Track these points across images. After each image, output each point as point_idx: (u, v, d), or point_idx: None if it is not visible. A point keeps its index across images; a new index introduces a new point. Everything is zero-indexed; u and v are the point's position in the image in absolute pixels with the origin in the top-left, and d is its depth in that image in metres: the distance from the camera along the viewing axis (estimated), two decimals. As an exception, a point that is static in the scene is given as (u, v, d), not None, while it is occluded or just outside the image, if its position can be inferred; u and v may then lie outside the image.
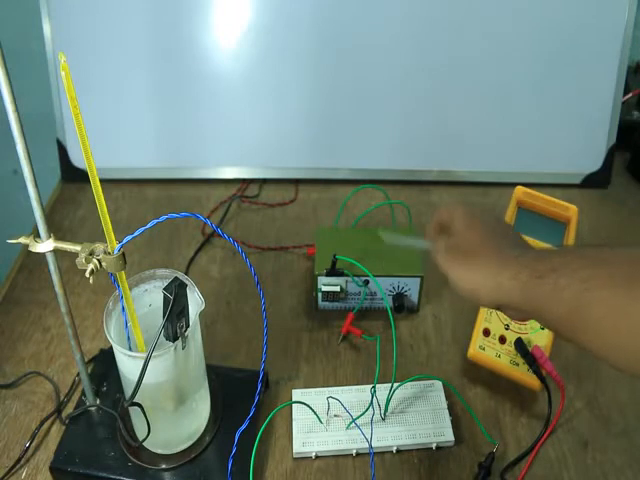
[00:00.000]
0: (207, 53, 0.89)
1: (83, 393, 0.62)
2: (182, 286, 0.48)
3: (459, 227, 0.51)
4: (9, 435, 0.62)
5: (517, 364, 0.64)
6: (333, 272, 0.71)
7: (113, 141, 0.92)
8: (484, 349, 0.66)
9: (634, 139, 0.97)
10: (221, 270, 0.81)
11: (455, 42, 0.89)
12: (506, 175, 0.94)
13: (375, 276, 0.70)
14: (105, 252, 0.46)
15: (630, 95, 0.99)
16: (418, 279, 0.71)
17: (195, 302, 0.51)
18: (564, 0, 0.87)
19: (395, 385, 0.62)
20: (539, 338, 0.64)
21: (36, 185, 0.47)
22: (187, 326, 0.50)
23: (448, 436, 0.61)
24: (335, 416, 0.62)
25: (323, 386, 0.66)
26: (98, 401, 0.62)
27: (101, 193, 0.44)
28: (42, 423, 0.63)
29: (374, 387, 0.62)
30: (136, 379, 0.47)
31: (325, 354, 0.70)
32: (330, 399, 0.63)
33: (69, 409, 0.64)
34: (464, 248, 0.49)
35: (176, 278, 0.48)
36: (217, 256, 0.83)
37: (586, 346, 0.38)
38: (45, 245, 0.48)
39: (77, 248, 0.47)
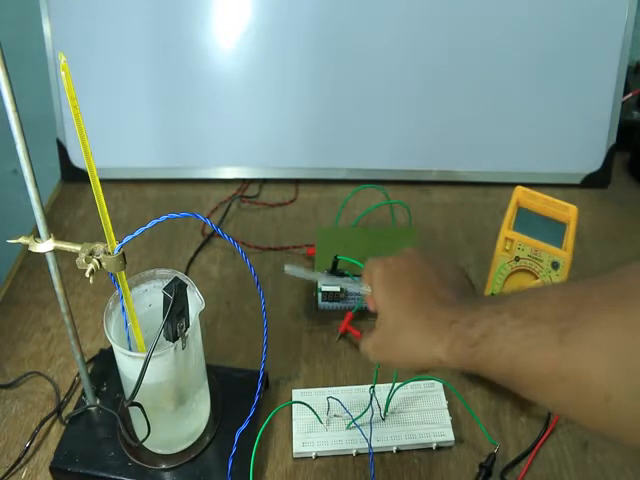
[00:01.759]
0: (207, 53, 0.89)
1: (83, 393, 0.62)
2: (182, 286, 0.48)
3: (380, 298, 0.47)
4: (9, 435, 0.62)
5: (517, 364, 0.64)
6: (334, 272, 0.71)
7: (113, 141, 0.92)
8: (484, 349, 0.65)
9: (634, 139, 0.97)
10: (221, 270, 0.81)
11: (455, 43, 0.89)
12: (506, 175, 0.94)
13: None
14: (105, 252, 0.46)
15: (630, 95, 0.99)
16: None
17: (195, 302, 0.51)
18: (564, 0, 0.87)
19: (396, 385, 0.62)
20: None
21: (36, 185, 0.47)
22: (187, 326, 0.50)
23: (448, 436, 0.61)
24: (335, 416, 0.62)
25: (323, 386, 0.66)
26: (98, 401, 0.62)
27: (101, 193, 0.44)
28: (42, 423, 0.63)
29: (373, 387, 0.62)
30: (136, 379, 0.47)
31: (325, 354, 0.70)
32: (330, 399, 0.63)
33: (69, 409, 0.64)
34: (390, 327, 0.45)
35: (176, 278, 0.48)
36: (217, 256, 0.83)
37: (535, 400, 0.38)
38: (45, 245, 0.48)
39: (77, 248, 0.47)
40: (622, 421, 0.32)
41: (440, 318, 0.42)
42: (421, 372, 0.45)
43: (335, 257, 0.69)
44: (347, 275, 0.61)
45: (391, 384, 0.62)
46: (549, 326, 0.35)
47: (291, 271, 0.56)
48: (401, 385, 0.63)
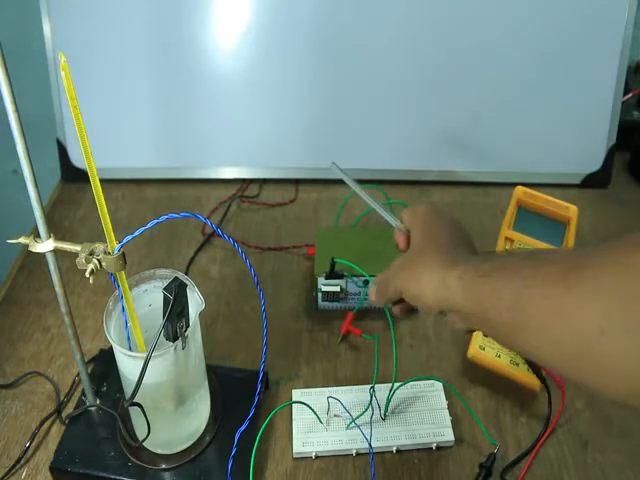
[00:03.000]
0: (207, 53, 0.89)
1: (83, 393, 0.62)
2: (182, 286, 0.48)
3: (417, 230, 0.51)
4: (9, 435, 0.62)
5: (517, 364, 0.64)
6: (332, 275, 0.71)
7: (113, 141, 0.92)
8: (484, 349, 0.66)
9: (634, 139, 0.97)
10: (221, 270, 0.81)
11: (455, 43, 0.89)
12: (506, 175, 0.94)
13: (375, 276, 0.70)
14: (105, 252, 0.46)
15: (630, 95, 0.99)
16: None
17: (195, 302, 0.51)
18: (564, 0, 0.87)
19: (396, 385, 0.62)
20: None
21: (36, 185, 0.47)
22: (187, 326, 0.50)
23: (448, 436, 0.61)
24: (335, 416, 0.62)
25: (323, 386, 0.66)
26: (98, 401, 0.62)
27: (101, 193, 0.44)
28: (42, 423, 0.63)
29: (373, 387, 0.62)
30: (136, 379, 0.47)
31: (325, 354, 0.70)
32: (330, 399, 0.63)
33: (69, 409, 0.64)
34: (417, 254, 0.49)
35: (176, 278, 0.48)
36: (217, 256, 0.83)
37: (525, 348, 0.39)
38: (45, 245, 0.48)
39: (77, 248, 0.47)
40: (611, 360, 0.33)
41: (459, 254, 0.47)
42: (425, 304, 0.47)
43: (332, 260, 0.69)
44: (384, 210, 0.59)
45: (391, 384, 0.62)
46: (556, 266, 0.37)
47: (335, 170, 0.59)
48: (401, 385, 0.63)
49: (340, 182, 0.94)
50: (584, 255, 0.36)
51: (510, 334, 0.40)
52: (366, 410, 0.61)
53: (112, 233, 0.46)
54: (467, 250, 0.49)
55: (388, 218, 0.56)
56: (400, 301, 0.51)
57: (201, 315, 0.52)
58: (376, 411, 0.62)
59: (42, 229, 0.48)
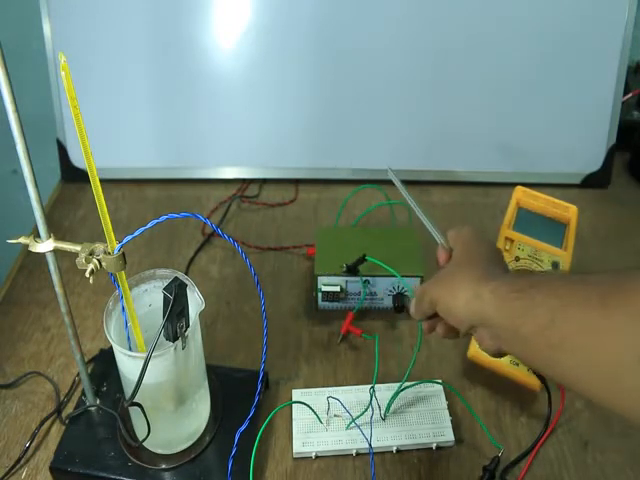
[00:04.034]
0: (207, 53, 0.89)
1: (83, 393, 0.62)
2: (182, 286, 0.48)
3: (459, 248, 0.53)
4: (9, 435, 0.62)
5: (517, 364, 0.64)
6: (354, 271, 0.70)
7: (113, 141, 0.92)
8: (484, 349, 0.65)
9: (634, 139, 0.97)
10: (221, 270, 0.81)
11: (455, 43, 0.89)
12: (506, 175, 0.94)
13: (375, 276, 0.70)
14: (105, 252, 0.46)
15: (630, 95, 0.99)
16: (418, 279, 0.71)
17: (195, 302, 0.51)
18: (564, 0, 0.87)
19: (397, 386, 0.62)
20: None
21: (36, 185, 0.47)
22: (187, 326, 0.50)
23: (448, 436, 0.61)
24: (335, 416, 0.62)
25: (323, 386, 0.66)
26: (98, 401, 0.62)
27: (101, 193, 0.44)
28: (42, 423, 0.63)
29: (373, 387, 0.62)
30: (136, 379, 0.47)
31: (325, 354, 0.70)
32: (330, 399, 0.63)
33: (69, 409, 0.64)
34: (455, 270, 0.50)
35: (176, 278, 0.48)
36: (217, 256, 0.83)
37: (557, 369, 0.39)
38: (45, 245, 0.48)
39: (77, 248, 0.47)
40: None
41: (494, 271, 0.48)
42: (456, 316, 0.47)
43: (363, 255, 0.69)
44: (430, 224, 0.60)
45: (391, 384, 0.62)
46: (593, 287, 0.37)
47: (390, 175, 0.62)
48: (406, 387, 0.63)
49: (340, 182, 0.95)
50: (624, 278, 0.36)
51: (543, 353, 0.39)
52: (366, 410, 0.61)
53: (112, 233, 0.46)
54: (502, 270, 0.50)
55: (435, 235, 0.57)
56: (434, 316, 0.52)
57: (201, 315, 0.52)
58: (376, 411, 0.62)
59: (42, 229, 0.48)
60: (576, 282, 0.39)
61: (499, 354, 0.46)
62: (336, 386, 0.66)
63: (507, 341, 0.44)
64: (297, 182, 0.96)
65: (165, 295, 0.47)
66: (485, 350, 0.47)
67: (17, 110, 0.43)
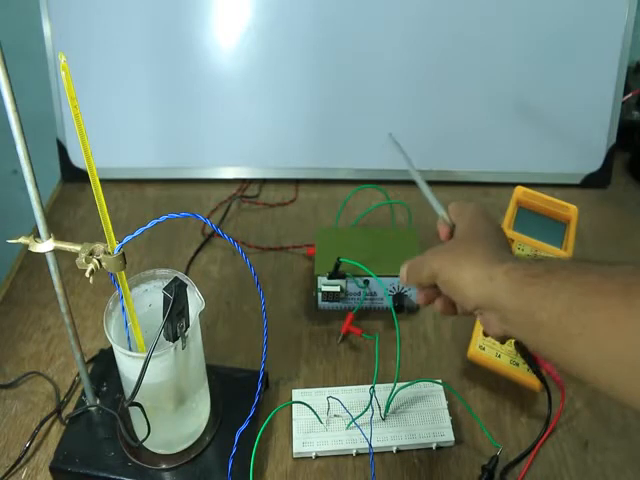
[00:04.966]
0: (207, 53, 0.89)
1: (83, 393, 0.62)
2: (182, 286, 0.48)
3: (464, 224, 0.50)
4: (9, 435, 0.62)
5: (517, 364, 0.64)
6: (336, 275, 0.70)
7: (113, 141, 0.92)
8: (484, 349, 0.66)
9: (634, 139, 0.97)
10: (221, 270, 0.81)
11: (455, 43, 0.89)
12: (506, 175, 0.94)
13: (375, 276, 0.70)
14: (105, 252, 0.46)
15: (630, 95, 0.99)
16: (418, 279, 0.71)
17: (195, 302, 0.51)
18: (564, 0, 0.87)
19: (398, 385, 0.62)
20: (539, 338, 0.64)
21: (36, 185, 0.47)
22: (187, 326, 0.50)
23: (448, 436, 0.61)
24: (335, 416, 0.62)
25: (323, 386, 0.66)
26: (98, 401, 0.62)
27: (101, 193, 0.44)
28: (42, 423, 0.63)
29: (373, 387, 0.62)
30: (136, 379, 0.47)
31: (325, 354, 0.70)
32: (330, 399, 0.63)
33: (69, 409, 0.64)
34: (461, 245, 0.48)
35: (176, 278, 0.48)
36: (217, 256, 0.83)
37: (574, 360, 0.37)
38: (45, 245, 0.48)
39: (77, 248, 0.47)
40: None
41: (505, 253, 0.45)
42: (465, 297, 0.44)
43: (337, 259, 0.69)
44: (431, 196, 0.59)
45: (391, 384, 0.62)
46: (616, 278, 0.35)
47: (391, 141, 0.60)
48: (404, 386, 0.63)
49: (340, 182, 0.95)
50: None
51: (558, 341, 0.38)
52: (366, 410, 0.61)
53: (112, 233, 0.46)
54: (510, 253, 0.47)
55: (435, 206, 0.55)
56: (428, 288, 0.50)
57: (201, 315, 0.52)
58: (376, 411, 0.62)
59: (42, 229, 0.48)
60: (594, 270, 0.37)
61: (504, 338, 0.45)
62: (336, 386, 0.66)
63: (517, 326, 0.42)
64: (297, 182, 0.96)
65: (165, 295, 0.47)
66: (490, 334, 0.45)
67: (17, 110, 0.43)
